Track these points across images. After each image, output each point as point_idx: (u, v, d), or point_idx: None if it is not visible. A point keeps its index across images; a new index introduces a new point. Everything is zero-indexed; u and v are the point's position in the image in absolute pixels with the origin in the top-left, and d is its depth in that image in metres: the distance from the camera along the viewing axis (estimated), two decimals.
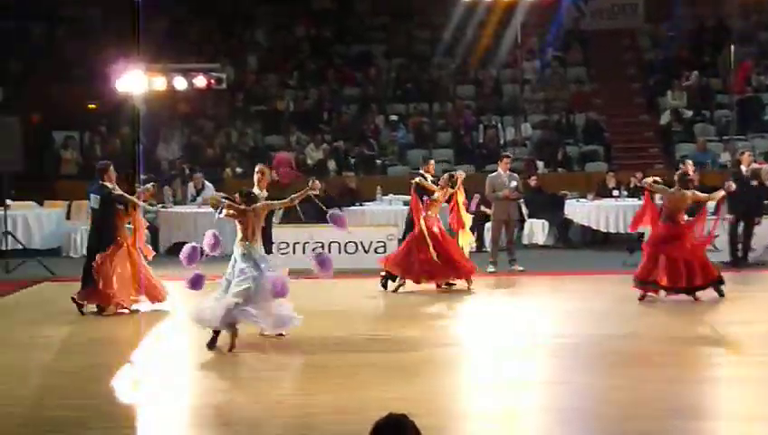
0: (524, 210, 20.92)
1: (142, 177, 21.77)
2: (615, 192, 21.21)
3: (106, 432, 8.74)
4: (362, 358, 11.55)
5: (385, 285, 16.01)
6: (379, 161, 24.57)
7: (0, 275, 17.84)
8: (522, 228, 20.95)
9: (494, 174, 18.44)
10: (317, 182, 13.06)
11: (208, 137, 25.18)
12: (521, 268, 17.58)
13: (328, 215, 13.25)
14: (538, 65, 27.23)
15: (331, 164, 24.16)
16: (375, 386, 10.20)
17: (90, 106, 25.99)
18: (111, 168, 14.67)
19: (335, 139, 24.97)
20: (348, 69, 27.32)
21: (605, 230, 20.79)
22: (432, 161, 17.96)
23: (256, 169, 14.98)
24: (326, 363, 11.31)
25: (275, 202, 13.15)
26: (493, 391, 10.24)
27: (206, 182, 21.91)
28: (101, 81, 23.81)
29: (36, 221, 20.42)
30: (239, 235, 12.12)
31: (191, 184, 21.94)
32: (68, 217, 21.03)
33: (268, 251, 12.71)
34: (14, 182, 20.72)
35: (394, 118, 25.55)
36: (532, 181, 21.68)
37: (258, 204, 12.35)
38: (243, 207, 12.14)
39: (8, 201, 19.40)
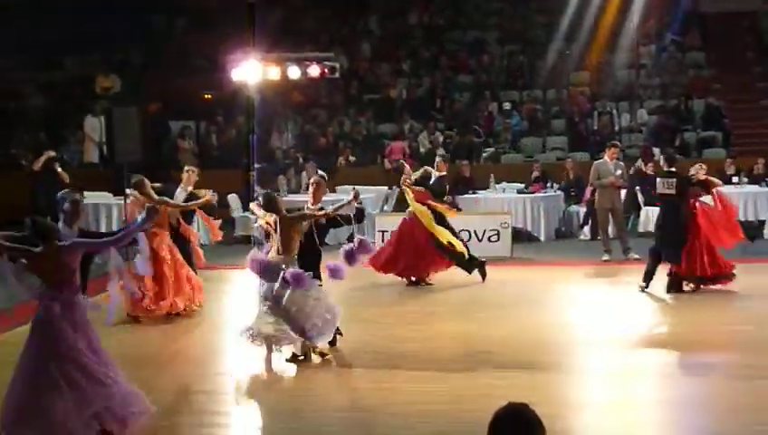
0: (640, 198, 20.56)
1: (257, 165, 22.07)
2: (734, 179, 20.70)
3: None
4: (475, 346, 11.51)
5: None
6: (491, 150, 24.39)
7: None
8: (637, 216, 20.60)
9: (599, 161, 18.24)
10: (357, 191, 11.90)
11: (322, 126, 25.34)
12: (636, 256, 17.25)
13: (342, 249, 11.56)
14: (654, 50, 26.71)
15: (442, 152, 24.06)
16: (488, 374, 10.15)
17: (206, 96, 26.37)
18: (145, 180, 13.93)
19: (448, 126, 24.88)
20: (461, 56, 27.18)
21: None
22: (440, 160, 17.15)
23: (311, 181, 14.07)
24: (439, 352, 11.30)
25: (307, 213, 11.36)
26: (607, 381, 10.11)
27: (320, 171, 22.02)
28: (218, 71, 24.18)
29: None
30: (272, 247, 11.12)
31: (304, 173, 22.10)
32: None
33: (314, 268, 11.03)
34: (134, 172, 21.14)
35: (507, 105, 25.35)
36: (648, 168, 21.28)
37: (293, 214, 11.07)
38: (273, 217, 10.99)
39: (128, 190, 19.79)
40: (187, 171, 14.69)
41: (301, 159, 23.06)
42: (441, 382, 9.90)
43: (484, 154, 24.27)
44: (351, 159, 23.73)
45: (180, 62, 27.59)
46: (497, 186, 21.50)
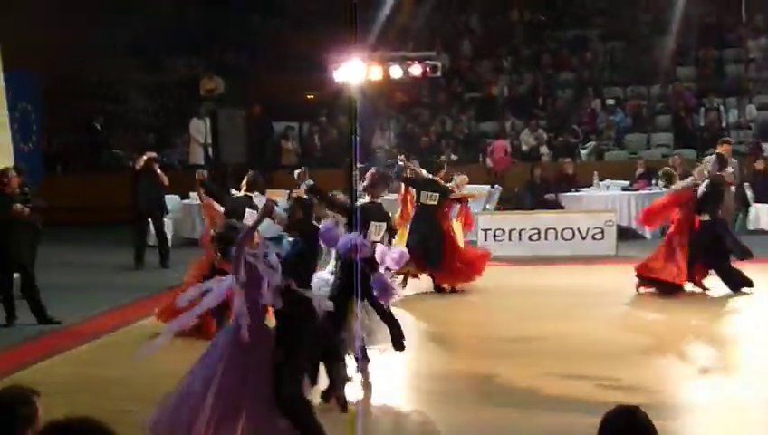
0: (750, 194, 20.11)
1: (359, 165, 22.14)
2: None
3: None
4: (577, 345, 11.38)
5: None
6: (592, 144, 24.05)
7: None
8: (747, 213, 20.14)
9: (710, 157, 17.80)
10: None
11: (424, 125, 25.32)
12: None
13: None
14: (764, 43, 26.06)
15: (545, 149, 23.85)
16: (595, 372, 10.03)
17: (308, 96, 26.55)
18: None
19: (550, 124, 24.65)
20: (563, 53, 26.91)
21: None
22: (443, 170, 16.57)
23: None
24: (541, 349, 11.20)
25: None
26: (713, 381, 9.89)
27: (423, 170, 22.01)
28: (320, 71, 24.33)
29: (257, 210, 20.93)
30: None
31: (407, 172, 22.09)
32: None
33: None
34: (238, 173, 21.40)
35: (611, 101, 24.99)
36: (758, 164, 20.79)
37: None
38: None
39: (233, 191, 19.99)
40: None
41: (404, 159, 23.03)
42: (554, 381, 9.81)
43: (584, 151, 23.96)
44: (453, 157, 23.64)
45: (282, 64, 27.85)
46: (601, 183, 21.21)
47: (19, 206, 12.97)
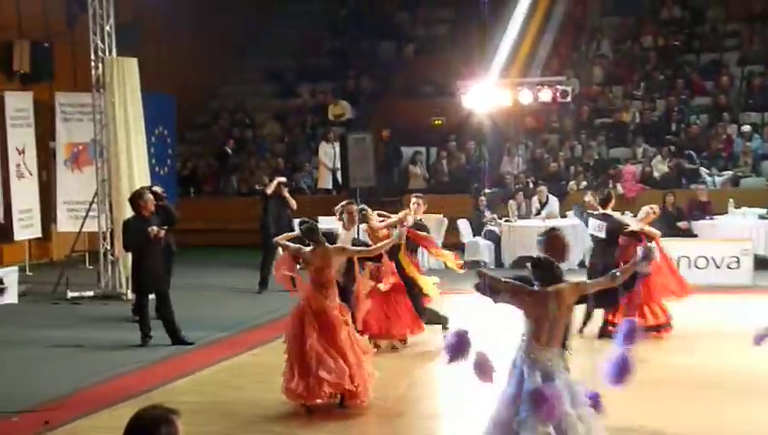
0: None
1: (486, 191, 22.07)
2: None
3: None
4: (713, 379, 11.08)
5: None
6: (729, 173, 23.45)
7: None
8: None
9: None
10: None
11: (552, 150, 25.08)
12: None
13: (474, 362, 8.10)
14: None
15: (680, 177, 23.32)
16: (733, 410, 9.74)
17: (436, 121, 26.59)
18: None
19: (683, 151, 24.12)
20: (698, 78, 26.36)
21: None
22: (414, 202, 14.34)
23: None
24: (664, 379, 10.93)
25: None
26: None
27: (551, 196, 21.85)
28: (447, 96, 24.36)
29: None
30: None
31: (535, 198, 21.93)
32: None
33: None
34: (367, 197, 21.51)
35: (747, 128, 24.35)
36: None
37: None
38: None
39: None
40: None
41: (531, 184, 22.89)
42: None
43: (719, 178, 23.31)
44: (583, 183, 23.35)
45: (410, 89, 27.98)
46: (736, 210, 20.67)
47: (155, 228, 13.25)
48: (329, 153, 25.04)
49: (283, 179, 18.97)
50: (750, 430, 9.14)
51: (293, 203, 18.40)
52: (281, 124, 28.17)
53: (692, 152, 23.80)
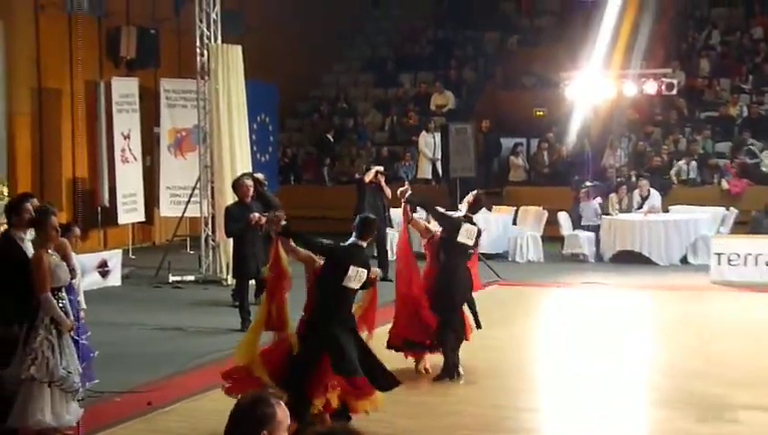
0: None
1: (588, 184, 21.80)
2: None
3: None
4: None
5: None
6: None
7: None
8: None
9: None
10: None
11: (656, 143, 24.68)
12: None
13: None
14: None
15: None
16: None
17: (538, 113, 26.38)
18: None
19: None
20: None
21: None
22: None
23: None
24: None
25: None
26: None
27: (653, 190, 21.50)
28: (550, 87, 24.16)
29: (485, 225, 20.89)
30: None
31: (636, 191, 21.61)
32: (514, 223, 21.39)
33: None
34: (467, 188, 21.42)
35: None
36: None
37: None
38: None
39: (460, 206, 20.04)
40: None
41: (633, 178, 22.55)
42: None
43: None
44: (686, 176, 22.97)
45: (513, 80, 27.80)
46: None
47: (256, 215, 13.37)
48: (429, 143, 25.01)
49: (381, 168, 18.99)
50: None
51: (389, 192, 18.40)
52: (382, 113, 28.22)
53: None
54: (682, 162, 23.29)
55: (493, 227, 20.89)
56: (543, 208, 21.32)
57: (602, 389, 10.56)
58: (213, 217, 18.19)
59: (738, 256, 17.51)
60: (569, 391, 10.61)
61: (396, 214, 20.44)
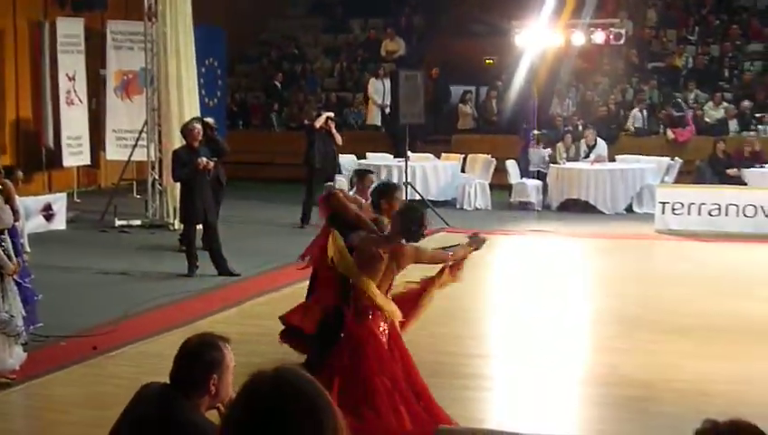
0: None
1: (535, 132, 21.90)
2: None
3: None
4: (749, 326, 11.00)
5: None
6: None
7: None
8: None
9: None
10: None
11: (603, 93, 24.81)
12: None
13: None
14: None
15: (733, 124, 23.02)
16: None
17: (487, 61, 26.39)
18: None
19: (736, 97, 23.79)
20: (753, 23, 25.88)
21: None
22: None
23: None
24: (729, 328, 10.88)
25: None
26: None
27: (599, 139, 21.65)
28: (500, 36, 24.14)
29: (433, 173, 21.01)
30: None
31: (583, 141, 21.75)
32: (463, 171, 21.47)
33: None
34: (415, 135, 21.46)
35: None
36: None
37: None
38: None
39: (409, 153, 20.09)
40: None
41: (580, 127, 22.69)
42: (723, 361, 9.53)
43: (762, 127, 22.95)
44: (635, 126, 23.15)
45: (462, 28, 27.73)
46: None
47: (204, 159, 13.27)
48: (378, 90, 24.96)
49: (331, 114, 18.94)
50: None
51: (339, 138, 18.38)
52: (331, 59, 28.08)
53: (679, 100, 23.48)
54: (636, 110, 23.47)
55: (441, 174, 21.02)
56: (492, 156, 21.40)
57: (552, 334, 10.68)
58: (160, 161, 18.05)
59: (682, 205, 17.73)
60: (520, 337, 10.74)
61: (347, 159, 20.52)
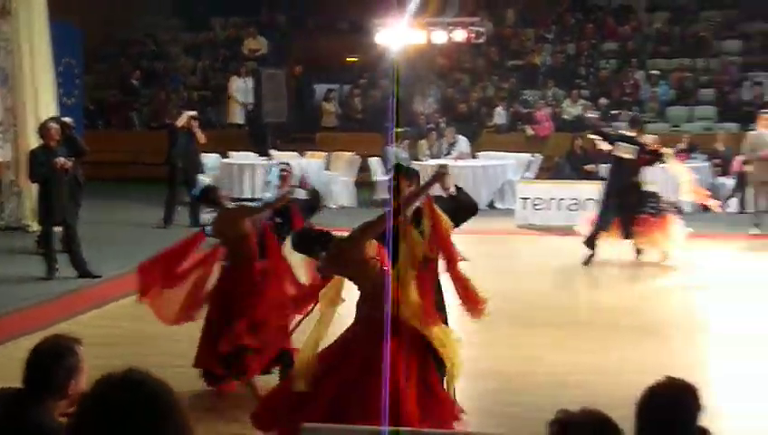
0: None
1: (398, 130, 22.10)
2: None
3: None
4: (615, 319, 11.34)
5: None
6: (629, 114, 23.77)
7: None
8: None
9: (754, 132, 17.61)
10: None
11: (464, 91, 25.20)
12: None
13: None
14: None
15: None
16: (630, 348, 10.00)
17: (350, 59, 26.51)
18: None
19: (593, 94, 24.44)
20: (608, 22, 26.63)
21: None
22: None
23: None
24: (587, 320, 11.17)
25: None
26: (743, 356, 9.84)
27: (460, 136, 21.97)
28: (362, 34, 24.26)
29: (297, 171, 20.95)
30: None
31: (445, 138, 22.04)
32: (327, 168, 21.52)
33: None
34: (279, 133, 21.41)
35: (655, 72, 24.73)
36: None
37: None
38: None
39: (272, 151, 20.05)
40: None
41: (443, 124, 23.00)
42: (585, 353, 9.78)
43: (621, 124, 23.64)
44: (494, 122, 23.61)
45: (325, 26, 27.80)
46: None
47: (62, 159, 13.02)
48: (241, 88, 24.83)
49: (194, 113, 18.77)
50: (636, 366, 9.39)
51: (202, 137, 18.24)
52: (193, 57, 27.82)
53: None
54: (500, 108, 23.90)
55: (306, 172, 20.99)
56: (356, 154, 21.51)
57: None
58: (17, 162, 17.60)
59: (542, 200, 18.14)
60: None
61: (210, 158, 20.35)
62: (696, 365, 9.35)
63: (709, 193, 16.33)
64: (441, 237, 7.09)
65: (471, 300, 7.32)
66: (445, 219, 7.09)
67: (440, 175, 7.03)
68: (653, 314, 11.61)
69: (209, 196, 8.96)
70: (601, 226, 14.32)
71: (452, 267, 7.17)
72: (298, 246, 7.23)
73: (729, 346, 10.27)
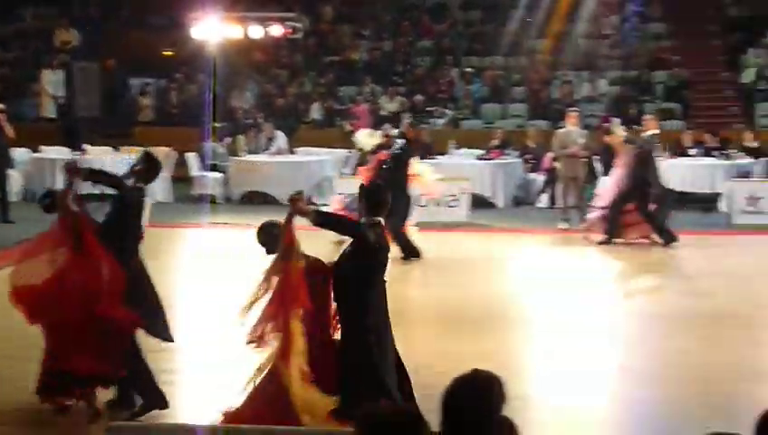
0: (598, 168, 20.62)
1: (216, 125, 21.94)
2: (692, 151, 20.84)
3: None
4: (442, 311, 11.55)
5: None
6: (450, 113, 24.32)
7: None
8: (594, 186, 20.64)
9: (562, 130, 18.24)
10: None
11: (282, 86, 25.20)
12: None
13: None
14: (617, 20, 26.71)
15: (406, 117, 23.96)
16: (450, 341, 10.21)
17: (166, 53, 26.14)
18: None
19: (409, 91, 24.82)
20: (423, 20, 27.07)
21: (680, 189, 20.37)
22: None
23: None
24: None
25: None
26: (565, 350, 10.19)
27: (277, 132, 21.96)
28: (178, 28, 23.97)
29: (113, 167, 20.52)
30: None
31: (263, 133, 22.00)
32: None
33: None
34: (92, 128, 20.93)
35: (469, 70, 25.29)
36: (607, 138, 21.31)
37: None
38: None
39: (85, 146, 19.61)
40: None
41: (261, 120, 22.94)
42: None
43: (440, 120, 24.14)
44: (313, 117, 23.71)
45: (140, 19, 27.30)
46: (457, 151, 21.50)
47: None
48: (52, 81, 24.17)
49: (2, 106, 18.18)
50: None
51: (11, 131, 17.72)
52: (1, 48, 26.91)
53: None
54: (317, 104, 23.98)
55: (121, 168, 20.53)
56: (173, 149, 21.22)
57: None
58: None
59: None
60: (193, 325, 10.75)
61: (21, 153, 19.77)
62: (511, 355, 9.63)
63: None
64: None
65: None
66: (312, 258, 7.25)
67: (293, 201, 7.02)
68: (464, 307, 11.85)
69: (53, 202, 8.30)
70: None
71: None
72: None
73: (543, 336, 10.63)
